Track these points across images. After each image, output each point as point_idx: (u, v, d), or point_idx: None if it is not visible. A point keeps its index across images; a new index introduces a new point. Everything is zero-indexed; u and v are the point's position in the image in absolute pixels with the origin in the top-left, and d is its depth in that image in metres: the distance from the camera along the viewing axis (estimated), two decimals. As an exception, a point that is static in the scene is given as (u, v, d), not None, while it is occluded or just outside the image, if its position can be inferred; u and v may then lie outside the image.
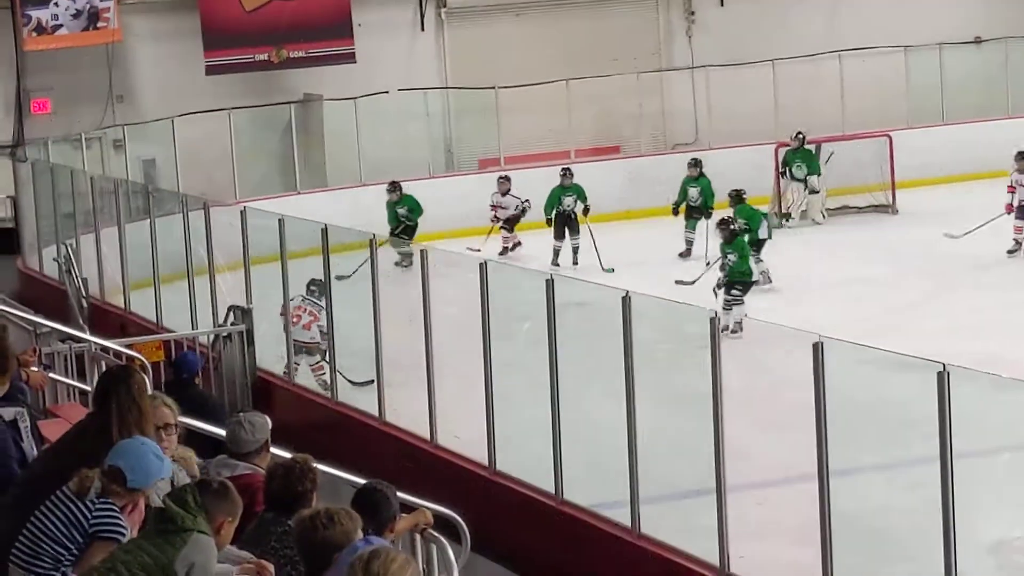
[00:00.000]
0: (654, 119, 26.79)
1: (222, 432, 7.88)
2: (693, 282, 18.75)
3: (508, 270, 12.62)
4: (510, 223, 22.22)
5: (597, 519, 10.27)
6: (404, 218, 21.76)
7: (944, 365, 7.66)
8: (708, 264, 18.94)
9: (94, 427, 6.38)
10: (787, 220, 23.37)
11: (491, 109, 25.18)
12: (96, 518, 5.78)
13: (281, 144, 24.61)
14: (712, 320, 9.33)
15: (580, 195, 21.70)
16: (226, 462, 7.36)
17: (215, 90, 24.51)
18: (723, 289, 17.20)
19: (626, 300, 9.84)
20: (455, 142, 26.14)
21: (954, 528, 7.76)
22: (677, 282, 18.79)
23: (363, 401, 13.33)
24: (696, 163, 22.16)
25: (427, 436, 12.08)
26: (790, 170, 23.59)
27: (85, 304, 17.50)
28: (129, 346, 13.16)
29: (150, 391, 6.94)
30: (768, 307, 16.84)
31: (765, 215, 19.73)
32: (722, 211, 19.80)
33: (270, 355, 14.70)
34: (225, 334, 14.27)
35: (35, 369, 9.02)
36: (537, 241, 21.49)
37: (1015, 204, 20.50)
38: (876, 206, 24.10)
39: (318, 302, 14.86)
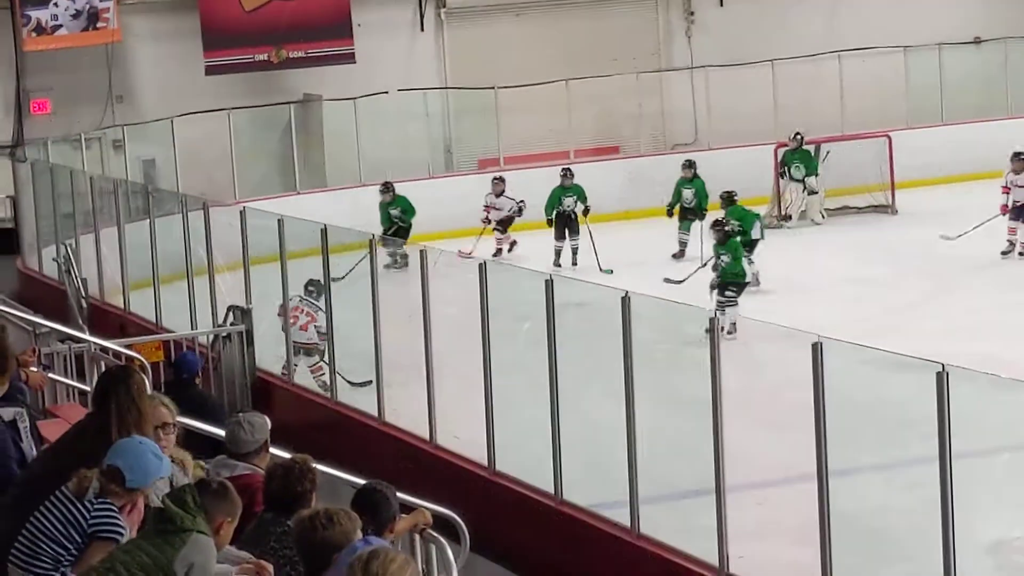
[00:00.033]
0: (654, 119, 26.79)
1: (221, 432, 7.89)
2: (682, 281, 18.68)
3: (507, 270, 12.62)
4: (504, 224, 22.06)
5: (596, 519, 10.27)
6: (397, 219, 21.65)
7: (943, 365, 7.66)
8: (704, 264, 18.87)
9: (93, 427, 6.39)
10: (787, 221, 23.37)
11: (491, 109, 25.19)
12: (94, 518, 5.79)
13: (281, 144, 24.61)
14: (712, 320, 9.34)
15: (580, 196, 21.68)
16: (225, 462, 7.36)
17: (215, 90, 24.52)
18: (716, 290, 17.17)
19: (625, 300, 9.84)
20: (455, 142, 26.14)
21: (953, 528, 7.76)
22: (666, 280, 18.72)
23: (362, 401, 13.33)
24: (690, 164, 22.11)
25: (426, 436, 12.09)
26: (789, 171, 23.59)
27: (84, 304, 17.51)
28: (128, 346, 13.17)
29: (149, 391, 6.95)
30: (767, 307, 16.81)
31: (758, 216, 19.67)
32: (716, 212, 19.78)
33: (269, 355, 14.70)
34: (224, 334, 14.27)
35: (34, 369, 9.02)
36: (536, 241, 21.48)
37: (1009, 205, 20.49)
38: (876, 206, 24.10)
39: (315, 303, 14.87)
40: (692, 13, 27.37)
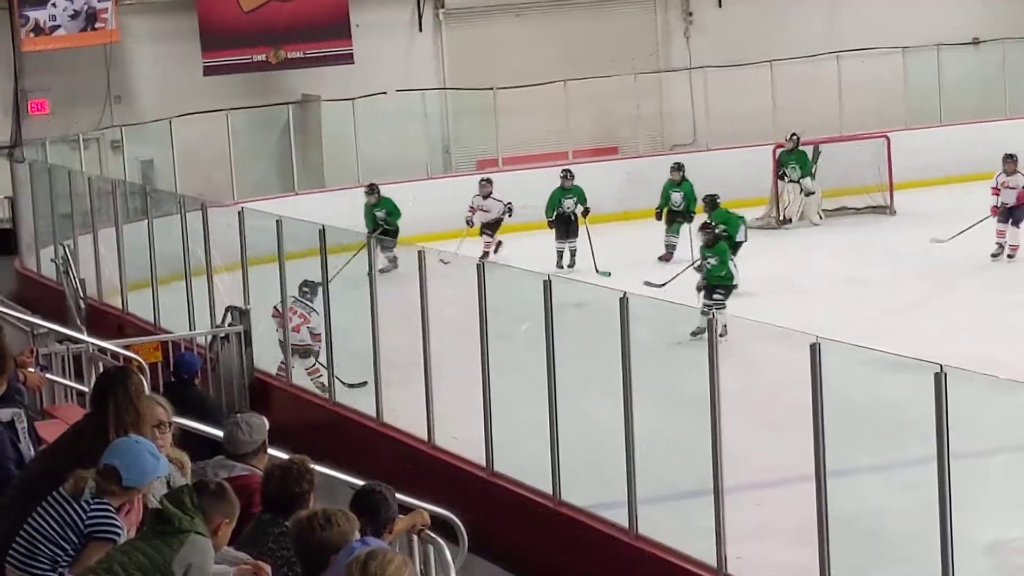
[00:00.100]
0: (652, 120, 26.78)
1: (220, 433, 7.88)
2: (663, 285, 18.58)
3: (506, 271, 12.62)
4: (492, 227, 21.84)
5: (594, 520, 10.27)
6: (382, 221, 21.41)
7: (941, 366, 7.66)
8: (688, 267, 18.73)
9: (91, 428, 6.38)
10: (787, 224, 23.36)
11: (489, 110, 25.19)
12: (91, 518, 5.79)
13: (279, 145, 24.62)
14: (710, 321, 9.34)
15: (580, 197, 21.65)
16: (223, 463, 7.36)
17: (213, 91, 24.51)
18: (703, 293, 17.14)
19: (624, 301, 9.84)
20: (453, 143, 26.14)
21: (951, 529, 7.76)
22: (646, 283, 18.53)
23: (361, 402, 13.32)
24: (679, 167, 22.06)
25: (425, 437, 12.08)
26: (785, 172, 23.59)
27: (83, 305, 17.50)
28: (127, 347, 13.17)
29: (147, 392, 6.95)
30: (766, 308, 16.80)
31: (742, 219, 19.57)
32: (702, 216, 19.71)
33: (268, 356, 14.70)
34: (223, 335, 14.26)
35: (32, 370, 9.02)
36: (536, 242, 21.45)
37: (999, 207, 20.45)
38: (874, 207, 24.09)
39: (308, 304, 14.87)
40: (691, 14, 27.38)
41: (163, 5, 24.97)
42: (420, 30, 26.34)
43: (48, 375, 11.18)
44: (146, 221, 17.32)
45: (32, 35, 23.96)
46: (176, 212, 16.47)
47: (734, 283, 17.44)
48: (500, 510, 11.00)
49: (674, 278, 18.58)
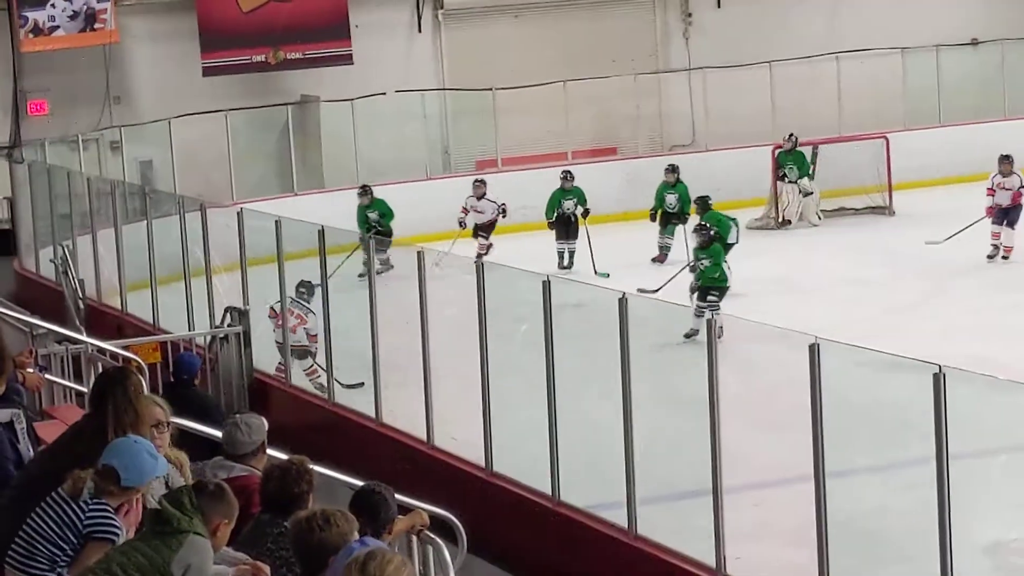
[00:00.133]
0: (651, 121, 26.79)
1: (219, 433, 7.88)
2: (656, 291, 18.54)
3: (505, 271, 12.61)
4: (487, 230, 21.67)
5: (593, 520, 10.27)
6: (376, 223, 21.24)
7: (940, 367, 7.66)
8: (680, 270, 18.67)
9: (90, 429, 6.38)
10: (787, 226, 23.35)
11: (488, 111, 25.19)
12: (89, 519, 5.79)
13: (278, 145, 24.62)
14: (709, 322, 9.34)
15: (580, 198, 21.64)
16: (222, 464, 7.36)
17: (212, 91, 24.51)
18: (696, 294, 17.12)
19: (623, 301, 9.84)
20: (452, 144, 26.14)
21: (950, 530, 7.76)
22: (639, 291, 18.43)
23: (360, 402, 13.32)
24: (673, 169, 22.05)
25: (424, 437, 12.08)
26: (785, 172, 23.59)
27: (82, 305, 17.50)
28: (126, 347, 13.17)
29: (146, 392, 6.95)
30: (765, 309, 16.80)
31: (734, 220, 19.53)
32: (694, 218, 19.68)
33: (267, 356, 14.70)
34: (222, 335, 14.26)
35: (31, 370, 9.02)
36: (535, 243, 21.45)
37: (994, 207, 20.44)
38: (873, 208, 24.10)
39: (305, 304, 14.87)
40: (690, 15, 27.38)
41: (162, 6, 24.98)
42: (419, 31, 26.34)
43: (47, 376, 11.17)
44: (145, 222, 17.31)
45: (31, 36, 23.95)
46: (175, 213, 16.47)
47: (727, 285, 17.43)
48: (499, 510, 10.99)
49: (667, 283, 18.53)
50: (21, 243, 22.12)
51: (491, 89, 25.11)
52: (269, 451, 7.50)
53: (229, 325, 14.37)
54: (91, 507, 5.79)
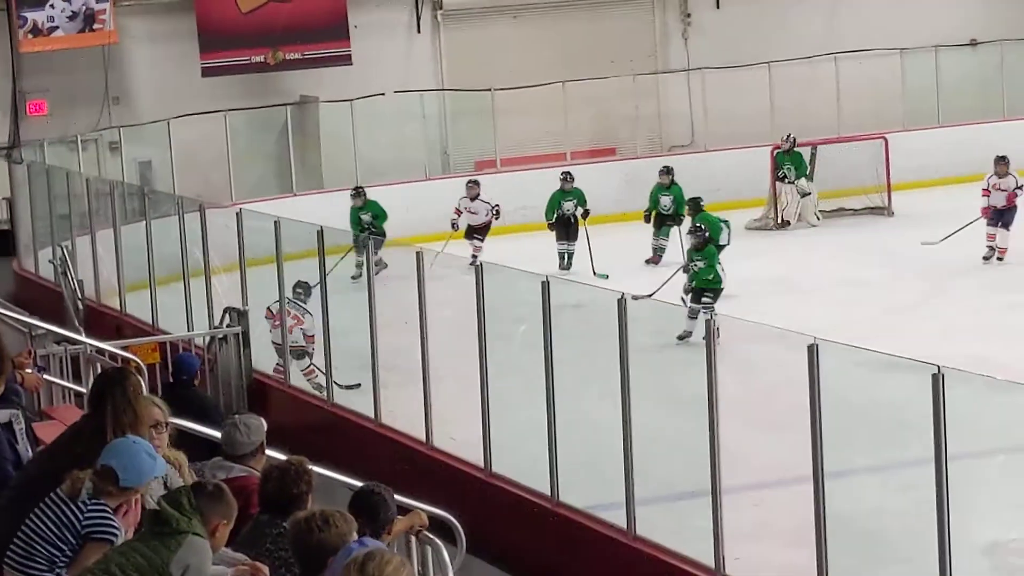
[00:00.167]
0: (650, 121, 26.79)
1: (218, 434, 7.88)
2: (651, 295, 18.49)
3: (504, 272, 12.61)
4: (482, 232, 21.58)
5: (592, 521, 10.27)
6: (368, 224, 21.03)
7: (939, 367, 7.66)
8: (674, 273, 18.62)
9: (89, 429, 6.38)
10: (786, 227, 23.35)
11: (487, 111, 25.19)
12: (88, 519, 5.79)
13: (277, 146, 24.62)
14: (708, 322, 9.34)
15: (580, 199, 21.63)
16: (221, 464, 7.36)
17: (211, 92, 24.50)
18: (690, 296, 17.10)
19: (622, 302, 9.84)
20: (451, 144, 26.14)
21: (949, 530, 7.76)
22: (633, 297, 18.31)
23: (359, 403, 13.32)
24: (668, 171, 22.03)
25: (423, 438, 12.08)
26: (785, 173, 23.59)
27: (81, 306, 17.50)
28: (125, 348, 13.16)
29: (145, 393, 6.95)
30: (765, 309, 16.81)
31: (726, 222, 19.49)
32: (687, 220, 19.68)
33: (266, 357, 14.70)
34: (221, 336, 14.26)
35: (30, 371, 9.02)
36: (535, 243, 21.45)
37: (989, 208, 20.43)
38: (872, 208, 24.11)
39: (302, 305, 14.87)
40: (688, 15, 27.38)
41: (161, 6, 24.98)
42: (418, 31, 26.34)
43: (46, 376, 11.17)
44: (144, 222, 17.30)
45: (30, 36, 23.95)
46: (174, 213, 16.47)
47: (721, 286, 17.42)
48: (498, 511, 10.99)
49: (661, 286, 18.48)
50: (20, 244, 22.12)
51: (490, 90, 25.11)
52: (268, 451, 7.50)
53: (228, 326, 14.37)
54: (90, 507, 5.79)
